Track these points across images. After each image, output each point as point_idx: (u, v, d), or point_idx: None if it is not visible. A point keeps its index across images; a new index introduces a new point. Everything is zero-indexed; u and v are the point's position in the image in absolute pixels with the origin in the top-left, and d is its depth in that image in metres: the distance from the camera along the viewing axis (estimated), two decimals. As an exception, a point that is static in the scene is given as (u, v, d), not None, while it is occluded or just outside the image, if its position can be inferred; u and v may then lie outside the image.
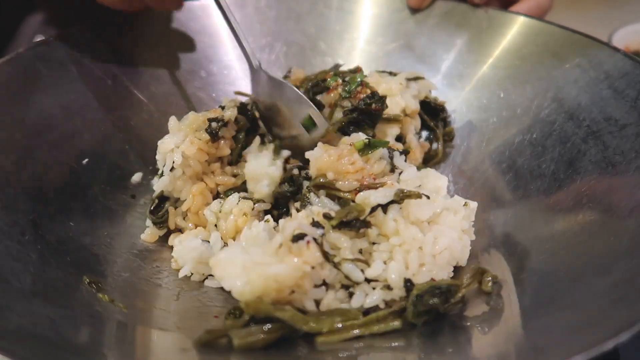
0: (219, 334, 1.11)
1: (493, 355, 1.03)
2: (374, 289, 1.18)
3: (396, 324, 1.11)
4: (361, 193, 1.25)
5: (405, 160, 1.39)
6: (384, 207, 1.21)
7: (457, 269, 1.27)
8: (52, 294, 1.14)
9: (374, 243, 1.21)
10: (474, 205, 1.31)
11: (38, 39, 1.62)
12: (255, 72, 1.59)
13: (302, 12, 1.87)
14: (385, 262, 1.18)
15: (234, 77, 1.80)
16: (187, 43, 1.78)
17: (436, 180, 1.35)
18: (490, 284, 1.18)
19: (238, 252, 1.16)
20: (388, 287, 1.16)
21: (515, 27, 1.66)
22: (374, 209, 1.20)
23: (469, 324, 1.12)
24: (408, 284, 1.16)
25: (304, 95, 1.51)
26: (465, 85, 1.71)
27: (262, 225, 1.32)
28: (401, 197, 1.21)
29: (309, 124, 1.48)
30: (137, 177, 1.58)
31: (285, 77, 1.72)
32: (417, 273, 1.17)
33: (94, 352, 1.05)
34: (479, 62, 1.69)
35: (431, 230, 1.21)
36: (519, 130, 1.54)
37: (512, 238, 1.34)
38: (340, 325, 1.11)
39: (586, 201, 1.28)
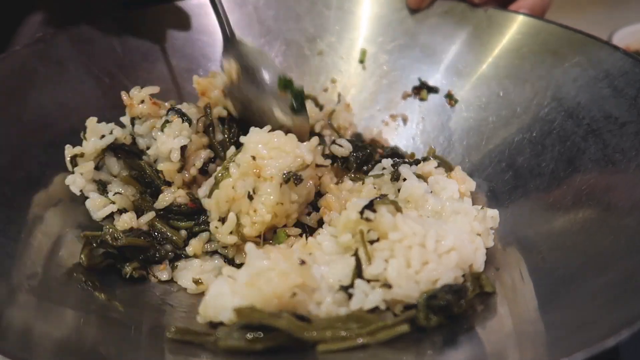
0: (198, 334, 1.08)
1: (495, 353, 1.01)
2: (373, 288, 1.12)
3: (404, 327, 1.05)
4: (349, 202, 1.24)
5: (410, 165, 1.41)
6: (370, 208, 1.16)
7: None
8: (50, 292, 1.14)
9: (372, 243, 1.16)
10: (492, 212, 1.30)
11: (37, 38, 1.62)
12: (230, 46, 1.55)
13: (301, 12, 1.86)
14: (386, 261, 1.12)
15: (232, 76, 1.79)
16: (185, 42, 1.77)
17: (446, 185, 1.34)
18: (490, 286, 1.16)
19: (222, 284, 1.10)
20: (388, 286, 1.10)
21: (515, 26, 1.66)
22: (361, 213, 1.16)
23: (471, 325, 1.10)
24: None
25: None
26: (464, 84, 1.70)
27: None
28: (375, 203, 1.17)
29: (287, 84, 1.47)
30: (134, 176, 1.57)
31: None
32: (420, 271, 1.11)
33: (92, 351, 1.04)
34: (479, 61, 1.68)
35: (435, 227, 1.15)
36: (519, 129, 1.54)
37: (511, 237, 1.33)
38: (343, 332, 1.04)
39: (586, 199, 1.27)
